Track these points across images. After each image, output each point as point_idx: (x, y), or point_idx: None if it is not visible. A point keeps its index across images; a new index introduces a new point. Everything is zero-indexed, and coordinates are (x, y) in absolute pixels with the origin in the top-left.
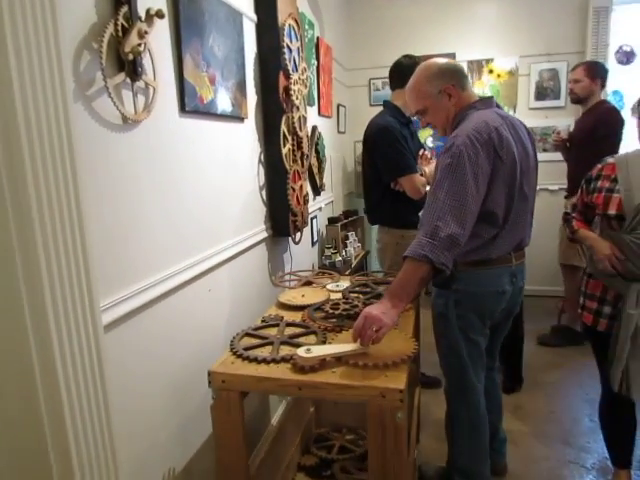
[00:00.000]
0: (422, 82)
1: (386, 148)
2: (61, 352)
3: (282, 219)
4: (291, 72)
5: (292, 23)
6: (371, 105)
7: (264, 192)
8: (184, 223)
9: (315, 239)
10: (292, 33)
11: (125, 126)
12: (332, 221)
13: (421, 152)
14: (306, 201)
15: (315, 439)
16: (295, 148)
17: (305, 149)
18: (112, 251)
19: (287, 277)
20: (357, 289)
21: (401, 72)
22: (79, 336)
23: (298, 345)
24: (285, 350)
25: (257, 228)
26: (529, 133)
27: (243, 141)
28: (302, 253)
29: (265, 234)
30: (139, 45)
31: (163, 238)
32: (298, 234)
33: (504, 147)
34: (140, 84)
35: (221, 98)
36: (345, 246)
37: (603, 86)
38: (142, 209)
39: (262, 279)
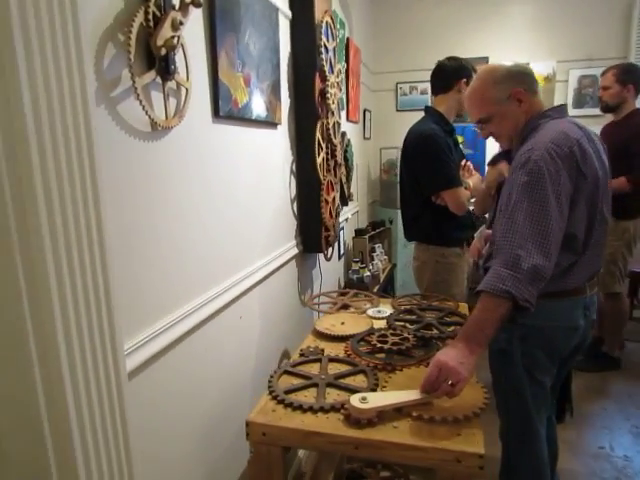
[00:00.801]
0: (487, 86)
1: (429, 158)
2: (78, 415)
3: (314, 234)
4: (327, 74)
5: (329, 21)
6: (397, 110)
7: (295, 205)
8: (219, 244)
9: (342, 252)
10: (329, 32)
11: (154, 133)
12: (359, 233)
13: (463, 163)
14: (337, 214)
15: (347, 476)
16: (329, 157)
17: (339, 158)
18: (135, 282)
19: (319, 299)
20: (402, 316)
21: (445, 75)
22: (99, 389)
23: (347, 388)
24: (332, 394)
25: (288, 244)
26: (604, 147)
27: (276, 150)
28: (327, 268)
29: (295, 250)
30: (173, 38)
31: (195, 263)
32: (330, 249)
33: (587, 162)
34: (171, 84)
35: (256, 101)
36: (372, 259)
37: (638, 92)
38: (170, 231)
39: (292, 299)
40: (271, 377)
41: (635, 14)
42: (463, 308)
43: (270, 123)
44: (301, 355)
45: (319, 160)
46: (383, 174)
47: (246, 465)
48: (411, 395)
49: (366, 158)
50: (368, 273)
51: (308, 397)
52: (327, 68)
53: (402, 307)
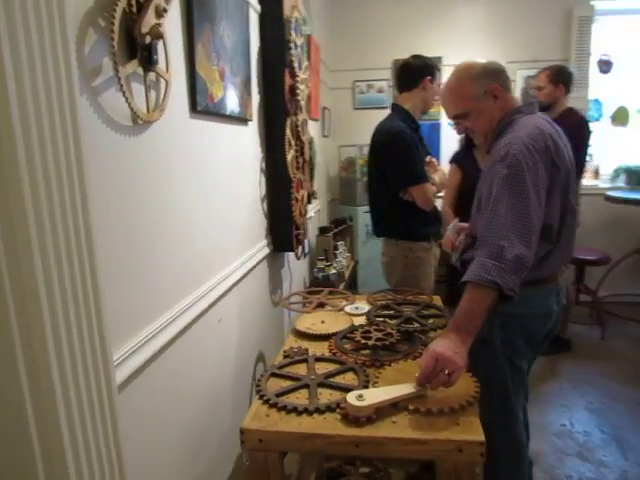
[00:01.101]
0: (465, 82)
1: (397, 155)
2: (71, 433)
3: (285, 233)
4: (297, 70)
5: (297, 16)
6: (355, 109)
7: (264, 203)
8: (199, 245)
9: (306, 251)
10: (297, 27)
11: (135, 128)
12: (323, 231)
13: (428, 159)
14: (306, 212)
15: (327, 475)
16: (298, 154)
17: (307, 155)
18: (120, 287)
19: (290, 299)
20: (380, 312)
21: (410, 73)
22: (91, 403)
23: (339, 387)
24: (325, 394)
25: (259, 244)
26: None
27: (247, 147)
28: (294, 267)
29: (266, 250)
30: (157, 25)
31: (178, 263)
32: (300, 248)
33: (560, 156)
34: (151, 76)
35: (230, 96)
36: (335, 257)
37: (567, 91)
38: (154, 232)
39: (264, 300)
40: (259, 381)
41: (574, 20)
42: (437, 300)
43: (242, 119)
44: (286, 356)
45: (289, 157)
46: (342, 172)
47: (231, 472)
48: (406, 389)
49: (325, 156)
50: (334, 271)
51: (300, 399)
52: (296, 64)
53: (378, 303)
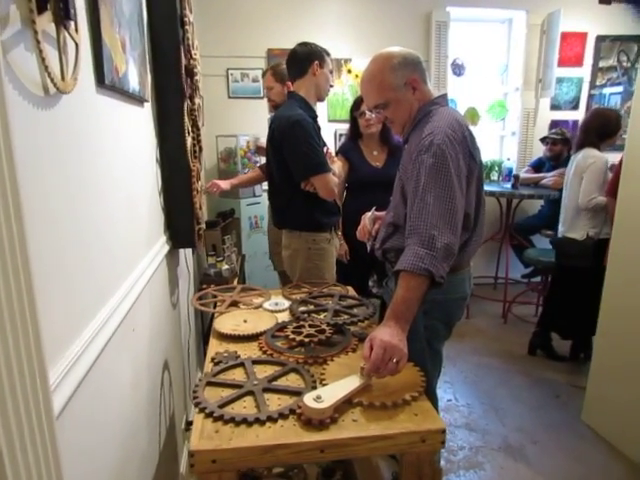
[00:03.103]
0: (385, 72)
1: (298, 144)
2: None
3: (186, 228)
4: (192, 49)
5: None
6: (230, 97)
7: (161, 196)
8: (110, 243)
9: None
10: (189, 3)
11: (46, 99)
12: (210, 225)
13: (325, 150)
14: (203, 205)
15: None
16: (195, 142)
17: (203, 143)
18: (53, 294)
19: (204, 298)
20: (304, 307)
21: (297, 60)
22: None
23: (286, 391)
24: (273, 400)
25: (161, 241)
26: None
27: (144, 131)
28: (182, 265)
29: (167, 247)
30: None
31: (96, 263)
32: (200, 244)
33: (475, 147)
34: (64, 35)
35: (131, 72)
36: (224, 252)
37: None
38: (72, 226)
39: (166, 303)
40: (195, 392)
41: (433, 24)
42: (351, 291)
43: (140, 99)
44: (216, 363)
45: (188, 145)
46: (221, 163)
47: None
48: (354, 382)
49: None
50: (227, 266)
51: (248, 408)
52: (191, 42)
53: (295, 297)
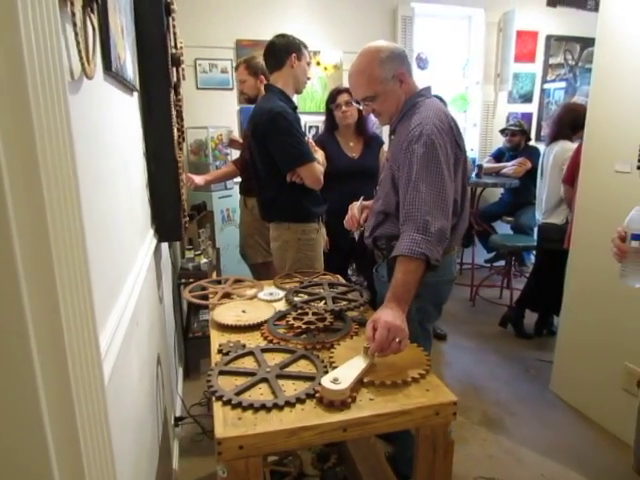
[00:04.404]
0: (374, 65)
1: (283, 136)
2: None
3: (173, 221)
4: (178, 38)
5: None
6: (198, 88)
7: (147, 188)
8: (116, 233)
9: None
10: None
11: (71, 85)
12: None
13: (306, 139)
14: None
15: None
16: (180, 134)
17: (186, 134)
18: None
19: (194, 291)
20: (300, 295)
21: (275, 52)
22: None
23: (300, 377)
24: (288, 386)
25: (150, 234)
26: None
27: (134, 121)
28: (166, 258)
29: (155, 241)
30: None
31: (104, 255)
32: (186, 237)
33: (460, 136)
34: (88, 18)
35: (128, 59)
36: (199, 245)
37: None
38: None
39: (155, 296)
40: (209, 382)
41: (398, 19)
42: (340, 278)
43: (133, 88)
44: (225, 353)
45: (175, 136)
46: (191, 155)
47: None
48: (361, 361)
49: None
50: (205, 260)
51: (265, 395)
52: (178, 31)
53: (287, 286)
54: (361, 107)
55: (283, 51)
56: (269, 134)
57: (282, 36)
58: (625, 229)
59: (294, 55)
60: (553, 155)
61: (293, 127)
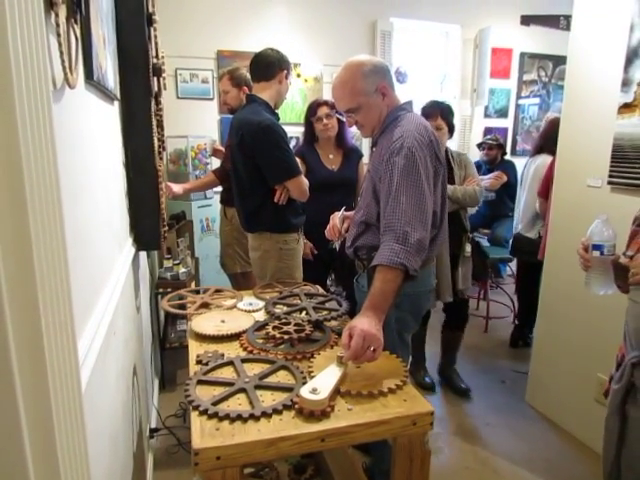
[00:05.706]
0: (357, 78)
1: (272, 149)
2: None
3: (152, 229)
4: (159, 48)
5: None
6: (178, 98)
7: (126, 196)
8: (96, 241)
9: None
10: (154, 1)
11: (54, 94)
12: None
13: None
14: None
15: None
16: (160, 142)
17: (167, 144)
18: None
19: (173, 300)
20: (279, 306)
21: (268, 64)
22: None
23: (278, 388)
24: (266, 397)
25: (128, 243)
26: None
27: (115, 130)
28: (143, 268)
29: (133, 250)
30: None
31: (89, 258)
32: (165, 246)
33: (440, 150)
34: (71, 27)
35: (109, 68)
36: (178, 254)
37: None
38: (69, 225)
39: (132, 305)
40: (186, 391)
41: (377, 33)
42: (319, 288)
43: (113, 98)
44: (204, 364)
45: (156, 145)
46: (170, 164)
47: None
48: (336, 370)
49: None
50: (184, 269)
51: (243, 405)
52: (159, 41)
53: (267, 296)
54: (343, 118)
55: (276, 65)
56: (258, 146)
57: (276, 51)
58: (587, 240)
59: (285, 72)
60: (535, 167)
61: (283, 140)
